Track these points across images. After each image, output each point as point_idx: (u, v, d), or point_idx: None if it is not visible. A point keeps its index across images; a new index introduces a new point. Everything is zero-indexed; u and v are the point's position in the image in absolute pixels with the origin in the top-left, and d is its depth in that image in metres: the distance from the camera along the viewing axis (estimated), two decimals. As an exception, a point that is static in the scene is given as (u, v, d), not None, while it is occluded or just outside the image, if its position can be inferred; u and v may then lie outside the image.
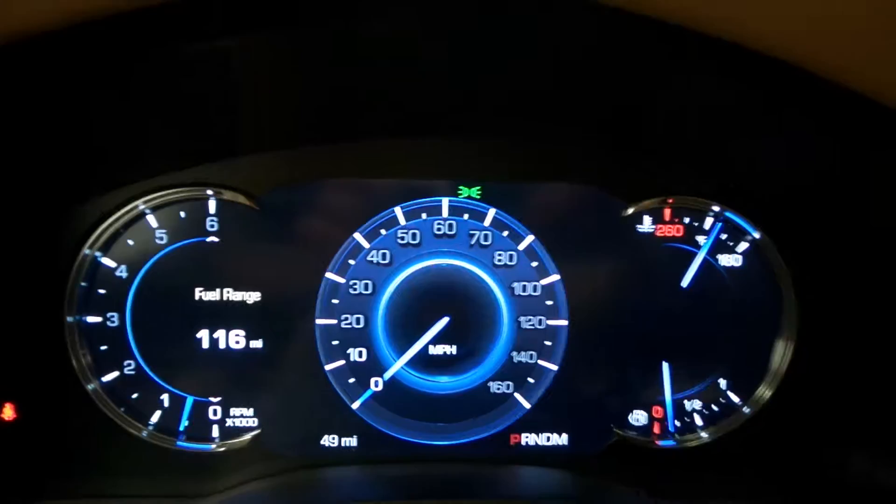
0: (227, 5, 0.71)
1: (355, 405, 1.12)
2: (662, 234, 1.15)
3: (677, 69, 0.85)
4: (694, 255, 1.15)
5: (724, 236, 1.16)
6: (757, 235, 1.15)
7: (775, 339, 1.16)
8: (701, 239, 1.15)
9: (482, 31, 0.79)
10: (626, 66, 0.87)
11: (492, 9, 0.74)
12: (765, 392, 1.16)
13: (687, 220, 1.15)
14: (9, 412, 1.06)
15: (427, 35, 0.82)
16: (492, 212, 1.11)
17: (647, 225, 1.14)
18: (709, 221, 1.15)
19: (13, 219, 1.02)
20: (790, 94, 0.76)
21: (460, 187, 1.11)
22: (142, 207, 1.07)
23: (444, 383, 1.14)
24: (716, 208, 1.14)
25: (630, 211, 1.13)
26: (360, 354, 1.12)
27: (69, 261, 1.05)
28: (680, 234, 1.15)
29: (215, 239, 1.08)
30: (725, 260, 1.16)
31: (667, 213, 1.15)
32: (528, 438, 1.16)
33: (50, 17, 0.63)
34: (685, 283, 1.15)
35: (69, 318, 1.06)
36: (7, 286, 1.03)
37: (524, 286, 1.13)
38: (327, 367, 1.11)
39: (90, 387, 1.08)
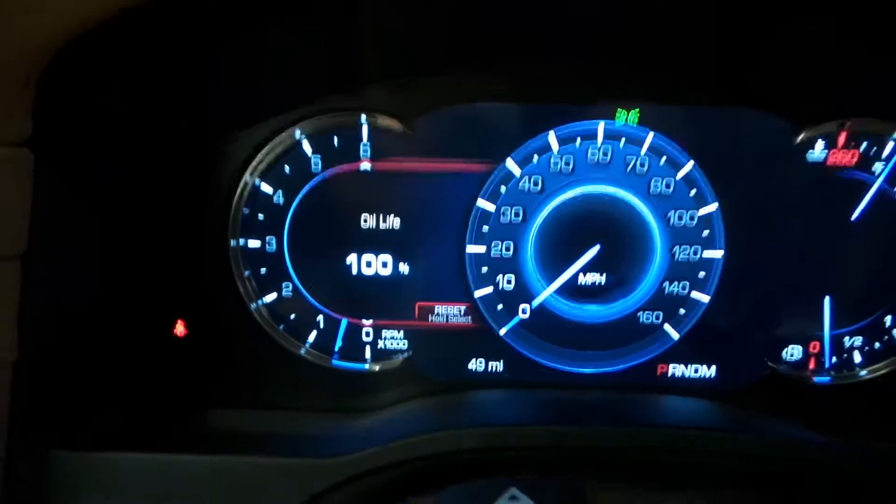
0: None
1: (502, 331, 1.13)
2: (834, 162, 1.06)
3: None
4: (868, 184, 1.07)
5: (905, 163, 1.07)
6: (944, 162, 1.05)
7: (955, 275, 1.08)
8: (878, 166, 1.06)
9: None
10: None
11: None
12: (938, 330, 1.10)
13: (864, 145, 1.06)
14: (180, 328, 1.14)
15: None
16: (650, 137, 1.06)
17: (818, 151, 1.06)
18: (890, 146, 1.06)
19: (181, 149, 1.06)
20: None
21: (618, 110, 1.05)
22: (298, 135, 1.08)
23: (593, 312, 1.13)
24: (900, 131, 1.04)
25: (801, 136, 1.05)
26: (509, 282, 1.12)
27: (232, 187, 1.08)
28: (854, 160, 1.06)
29: (368, 165, 1.09)
30: (904, 190, 1.07)
31: (841, 137, 1.06)
32: (676, 369, 1.14)
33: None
34: (856, 215, 1.07)
35: (233, 242, 1.10)
36: (177, 212, 1.08)
37: (680, 215, 1.08)
38: (476, 294, 1.12)
39: (253, 306, 1.13)
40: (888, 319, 1.12)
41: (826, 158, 1.06)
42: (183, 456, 0.92)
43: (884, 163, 1.06)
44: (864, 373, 1.13)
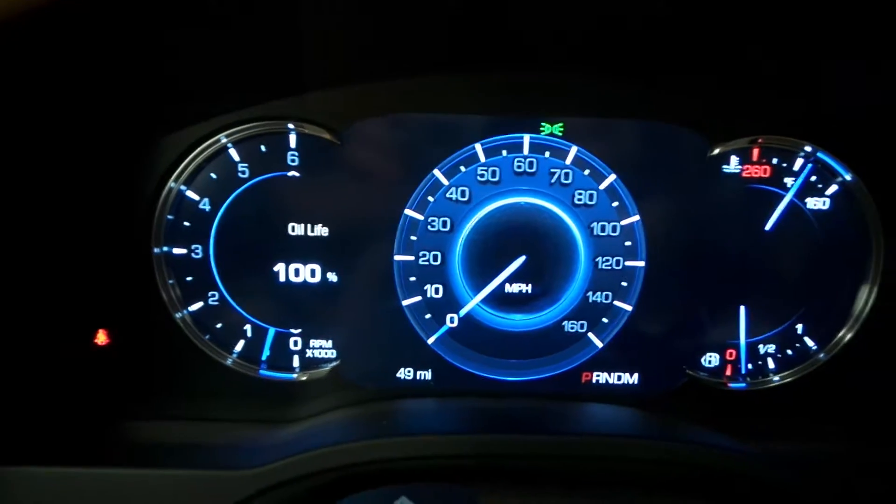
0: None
1: (431, 340, 1.14)
2: (748, 175, 1.11)
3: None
4: (780, 197, 1.12)
5: (813, 178, 1.12)
6: (849, 177, 1.10)
7: (860, 283, 1.14)
8: (789, 181, 1.11)
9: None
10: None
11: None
12: (844, 337, 1.15)
13: (775, 160, 1.11)
14: (102, 338, 1.11)
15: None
16: (574, 149, 1.08)
17: (733, 165, 1.10)
18: (799, 162, 1.11)
19: (101, 153, 1.04)
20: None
21: (542, 124, 1.08)
22: (224, 141, 1.07)
23: (519, 321, 1.15)
24: (808, 148, 1.09)
25: (716, 151, 1.09)
26: (437, 291, 1.13)
27: (156, 193, 1.07)
28: (767, 175, 1.11)
29: (296, 173, 1.08)
30: (813, 203, 1.12)
31: (755, 153, 1.10)
32: (600, 377, 1.17)
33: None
34: (769, 226, 1.12)
35: (156, 250, 1.09)
36: (98, 218, 1.06)
37: (603, 226, 1.11)
38: (404, 303, 1.13)
39: (177, 315, 1.12)
40: (800, 327, 1.16)
41: (741, 172, 1.11)
42: (97, 469, 0.89)
43: (794, 177, 1.11)
44: (776, 378, 1.18)
